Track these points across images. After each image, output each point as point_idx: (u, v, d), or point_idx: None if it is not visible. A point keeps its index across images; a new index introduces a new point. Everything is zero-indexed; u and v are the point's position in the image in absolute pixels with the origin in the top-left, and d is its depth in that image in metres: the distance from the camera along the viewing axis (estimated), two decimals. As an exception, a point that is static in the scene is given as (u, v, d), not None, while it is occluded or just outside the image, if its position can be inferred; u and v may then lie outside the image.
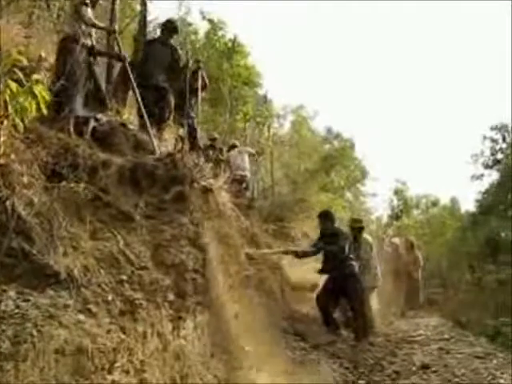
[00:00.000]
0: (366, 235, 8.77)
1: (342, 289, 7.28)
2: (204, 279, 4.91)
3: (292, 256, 7.67)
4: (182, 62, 7.01)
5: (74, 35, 5.35)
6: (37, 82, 3.80)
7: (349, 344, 6.97)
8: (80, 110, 5.20)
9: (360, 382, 5.77)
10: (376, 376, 5.92)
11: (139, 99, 5.52)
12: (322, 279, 7.75)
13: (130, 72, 5.83)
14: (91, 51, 5.49)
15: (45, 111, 3.86)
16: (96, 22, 5.99)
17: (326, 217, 7.67)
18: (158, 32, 7.53)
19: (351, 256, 7.34)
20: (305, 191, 15.95)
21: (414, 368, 6.11)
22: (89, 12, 5.63)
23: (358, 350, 6.75)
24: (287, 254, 7.69)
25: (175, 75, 6.79)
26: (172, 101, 6.68)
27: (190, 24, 16.14)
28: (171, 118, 6.63)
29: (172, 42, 7.05)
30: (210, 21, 16.11)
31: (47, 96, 3.84)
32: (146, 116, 5.44)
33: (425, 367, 6.03)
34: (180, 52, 6.98)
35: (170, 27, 7.08)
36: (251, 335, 5.86)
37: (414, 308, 12.19)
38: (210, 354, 4.89)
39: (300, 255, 7.55)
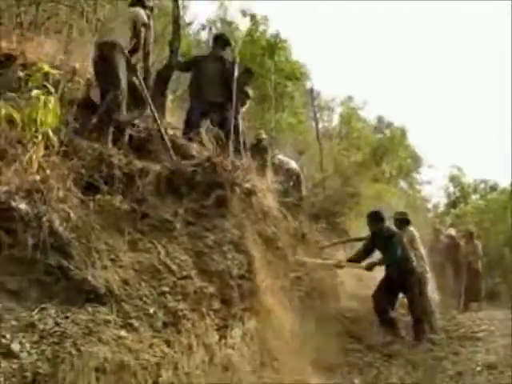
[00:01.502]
0: (410, 228, 8.40)
1: (400, 287, 7.01)
2: (250, 284, 4.78)
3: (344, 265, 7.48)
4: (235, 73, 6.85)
5: (115, 42, 5.29)
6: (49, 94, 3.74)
7: (407, 344, 6.69)
8: (126, 116, 5.15)
9: (420, 384, 5.51)
10: (437, 378, 5.64)
11: (152, 106, 5.34)
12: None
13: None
14: (128, 62, 5.43)
15: (55, 123, 3.80)
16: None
17: (375, 217, 7.36)
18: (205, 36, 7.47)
19: (407, 256, 7.05)
20: (356, 184, 15.60)
21: (478, 368, 5.79)
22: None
23: (418, 350, 6.46)
24: (341, 268, 7.47)
25: (230, 88, 6.70)
26: (232, 120, 6.59)
27: (230, 22, 16.04)
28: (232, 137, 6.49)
29: (224, 55, 6.97)
30: (252, 17, 15.90)
31: (58, 110, 3.78)
32: (154, 111, 5.27)
33: (490, 367, 5.68)
34: (232, 63, 6.83)
35: (221, 41, 7.08)
36: (303, 339, 5.69)
37: (476, 300, 11.68)
38: (260, 362, 4.75)
39: (353, 267, 7.37)
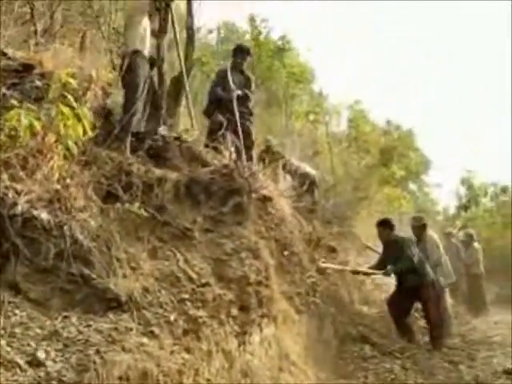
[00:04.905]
0: (430, 232, 8.35)
1: (416, 297, 6.95)
2: (268, 291, 4.79)
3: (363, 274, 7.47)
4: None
5: (135, 50, 5.33)
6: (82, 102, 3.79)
7: (423, 349, 6.67)
8: (142, 125, 5.17)
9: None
10: (454, 383, 5.62)
11: (192, 112, 5.44)
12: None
13: (187, 88, 5.80)
14: (152, 63, 5.49)
15: (90, 133, 3.85)
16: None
17: (384, 225, 7.31)
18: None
19: (422, 263, 6.98)
20: (366, 187, 15.61)
21: (495, 373, 5.77)
22: None
23: (434, 355, 6.44)
24: (357, 274, 7.45)
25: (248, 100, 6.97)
26: (251, 128, 6.90)
27: (237, 29, 16.15)
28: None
29: (244, 65, 7.19)
30: (251, 19, 15.93)
31: (91, 118, 3.83)
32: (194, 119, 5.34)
33: (507, 372, 5.65)
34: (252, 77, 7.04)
35: (243, 51, 7.25)
36: (320, 344, 5.71)
37: (479, 308, 11.35)
38: (279, 368, 4.76)
39: (369, 275, 7.34)
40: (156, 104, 5.42)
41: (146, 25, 5.44)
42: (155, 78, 5.66)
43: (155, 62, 5.53)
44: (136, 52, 5.26)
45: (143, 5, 5.50)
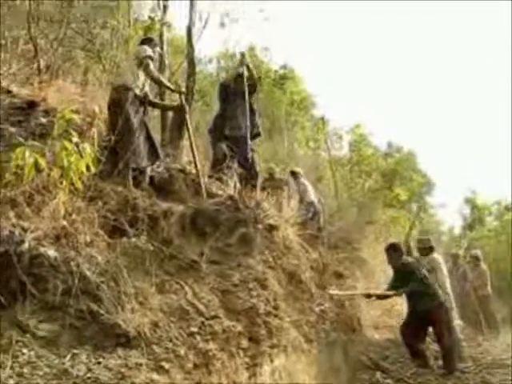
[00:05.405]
0: (435, 255, 8.27)
1: (429, 321, 6.87)
2: (277, 321, 4.75)
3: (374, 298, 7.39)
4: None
5: (126, 85, 5.37)
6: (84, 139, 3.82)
7: (437, 374, 6.55)
8: (144, 160, 5.19)
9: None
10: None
11: (194, 148, 5.44)
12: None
13: (188, 123, 5.81)
14: (143, 101, 5.51)
15: (93, 169, 3.87)
16: (164, 80, 6.07)
17: (394, 250, 7.27)
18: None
19: (432, 285, 6.92)
20: (370, 211, 15.56)
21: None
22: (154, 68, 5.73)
23: (448, 380, 6.33)
24: (370, 298, 7.37)
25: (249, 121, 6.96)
26: (253, 155, 6.85)
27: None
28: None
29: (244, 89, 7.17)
30: (251, 49, 16.10)
31: (93, 154, 3.87)
32: (198, 162, 5.36)
33: (523, 396, 5.55)
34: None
35: (240, 78, 7.28)
36: (331, 373, 5.63)
37: (491, 329, 11.15)
38: (290, 399, 4.71)
39: (382, 298, 7.26)
40: (151, 139, 5.43)
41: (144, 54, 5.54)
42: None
43: (146, 99, 5.55)
44: (126, 88, 5.31)
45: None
